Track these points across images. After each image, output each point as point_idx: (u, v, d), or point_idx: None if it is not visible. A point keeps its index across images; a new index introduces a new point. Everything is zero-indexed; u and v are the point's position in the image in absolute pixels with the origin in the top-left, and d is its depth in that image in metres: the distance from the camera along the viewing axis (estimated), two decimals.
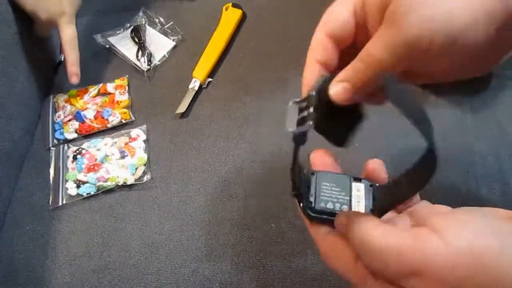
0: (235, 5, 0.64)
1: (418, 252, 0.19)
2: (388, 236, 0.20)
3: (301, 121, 0.24)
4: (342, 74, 0.25)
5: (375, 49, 0.23)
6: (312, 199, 0.27)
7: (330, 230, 0.26)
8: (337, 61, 0.27)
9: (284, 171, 0.49)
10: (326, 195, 0.27)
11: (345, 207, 0.27)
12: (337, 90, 0.25)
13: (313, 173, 0.28)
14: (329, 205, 0.27)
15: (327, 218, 0.26)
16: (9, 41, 0.53)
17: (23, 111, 0.55)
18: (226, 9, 0.64)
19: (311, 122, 0.23)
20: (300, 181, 0.27)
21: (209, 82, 0.59)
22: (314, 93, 0.24)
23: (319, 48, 0.27)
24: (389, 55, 0.22)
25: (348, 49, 0.27)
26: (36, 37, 0.59)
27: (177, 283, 0.44)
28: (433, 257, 0.19)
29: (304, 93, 0.27)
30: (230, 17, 0.63)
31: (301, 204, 0.27)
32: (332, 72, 0.27)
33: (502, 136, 0.49)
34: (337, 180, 0.28)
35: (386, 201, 0.27)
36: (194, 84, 0.57)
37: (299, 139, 0.25)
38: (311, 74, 0.27)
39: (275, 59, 0.60)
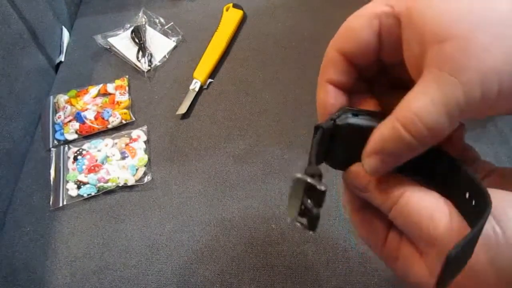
0: (235, 6, 0.64)
1: (448, 219, 0.19)
2: (424, 199, 0.19)
3: (303, 211, 0.20)
4: (377, 143, 0.20)
5: (424, 112, 0.17)
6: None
7: (364, 205, 0.23)
8: (353, 80, 0.23)
9: (284, 170, 0.49)
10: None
11: None
12: (373, 165, 0.20)
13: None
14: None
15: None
16: (9, 41, 0.53)
17: (23, 111, 0.55)
18: (227, 10, 0.64)
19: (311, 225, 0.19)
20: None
21: (210, 83, 0.59)
22: (324, 189, 0.18)
23: (330, 67, 0.22)
24: (446, 117, 0.17)
25: (370, 65, 0.23)
26: (35, 37, 0.59)
27: (177, 284, 0.44)
28: (458, 231, 0.18)
29: (321, 118, 0.22)
30: (230, 17, 0.63)
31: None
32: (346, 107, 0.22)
33: (500, 138, 0.49)
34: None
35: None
36: (195, 85, 0.57)
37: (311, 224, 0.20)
38: (324, 98, 0.23)
39: (276, 59, 0.60)
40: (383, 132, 0.19)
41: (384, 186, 0.21)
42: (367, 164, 0.20)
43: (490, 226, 0.18)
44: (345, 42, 0.22)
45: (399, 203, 0.20)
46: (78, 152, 0.53)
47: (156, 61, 0.61)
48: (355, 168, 0.22)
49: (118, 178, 0.50)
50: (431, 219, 0.19)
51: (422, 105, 0.18)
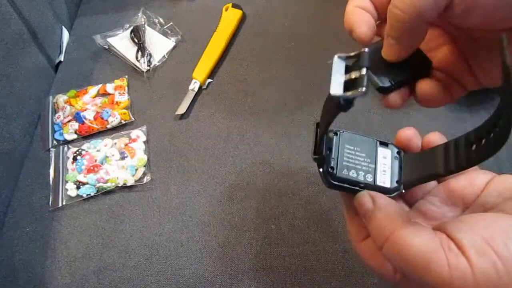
0: (235, 6, 0.64)
1: (447, 269, 0.18)
2: (418, 240, 0.19)
3: (350, 84, 0.21)
4: (386, 29, 0.23)
5: None
6: (333, 164, 0.25)
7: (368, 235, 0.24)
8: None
9: (283, 171, 0.49)
10: (349, 160, 0.25)
11: (369, 177, 0.24)
12: (384, 47, 0.23)
13: (336, 133, 0.26)
14: (352, 173, 0.24)
15: (348, 187, 0.24)
16: (9, 41, 0.53)
17: (23, 111, 0.55)
18: (226, 10, 0.64)
19: (364, 89, 0.19)
20: (322, 142, 0.24)
21: (209, 83, 0.59)
22: (367, 49, 0.21)
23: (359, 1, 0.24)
24: None
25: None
26: (35, 37, 0.59)
27: (177, 284, 0.44)
28: (460, 280, 0.18)
29: (361, 33, 0.23)
30: (230, 17, 0.63)
31: (321, 170, 0.25)
32: None
33: None
34: (362, 144, 0.26)
35: (413, 174, 0.24)
36: (194, 85, 0.57)
37: (344, 105, 0.21)
38: (355, 17, 0.24)
39: (276, 59, 0.60)
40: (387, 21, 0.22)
41: (378, 220, 0.21)
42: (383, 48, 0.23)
43: (490, 262, 0.17)
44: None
45: (389, 241, 0.20)
46: (77, 152, 0.53)
47: (155, 61, 0.61)
48: (360, 194, 0.23)
49: (118, 178, 0.50)
50: (428, 267, 0.18)
51: None
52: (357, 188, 0.24)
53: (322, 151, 0.24)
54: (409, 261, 0.19)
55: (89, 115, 0.56)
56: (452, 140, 0.22)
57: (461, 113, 0.51)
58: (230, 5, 0.64)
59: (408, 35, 0.22)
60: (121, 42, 0.63)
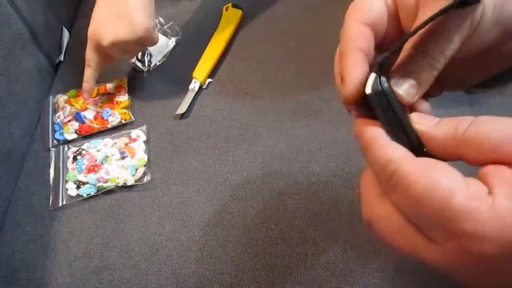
0: (235, 5, 0.64)
1: (472, 208, 0.17)
2: (442, 177, 0.18)
3: None
4: (404, 70, 0.22)
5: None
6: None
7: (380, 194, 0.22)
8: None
9: (283, 171, 0.49)
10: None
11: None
12: (407, 88, 0.22)
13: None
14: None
15: (391, 115, 0.22)
16: (9, 41, 0.53)
17: (23, 111, 0.55)
18: (226, 9, 0.64)
19: None
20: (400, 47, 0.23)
21: (209, 82, 0.59)
22: None
23: (360, 37, 0.23)
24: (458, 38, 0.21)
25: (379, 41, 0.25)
26: (35, 37, 0.59)
27: (177, 284, 0.44)
28: (483, 217, 0.17)
29: (349, 92, 0.22)
30: (230, 17, 0.63)
31: (375, 74, 0.22)
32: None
33: None
34: None
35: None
36: (194, 85, 0.57)
37: None
38: (355, 66, 0.23)
39: (276, 59, 0.60)
40: (404, 60, 0.23)
41: (377, 151, 0.21)
42: (402, 88, 0.22)
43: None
44: (365, 12, 0.24)
45: (395, 175, 0.19)
46: (77, 152, 0.53)
47: (156, 61, 0.61)
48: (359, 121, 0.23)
49: (118, 178, 0.50)
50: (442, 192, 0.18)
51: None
52: (397, 120, 0.22)
53: (394, 51, 0.22)
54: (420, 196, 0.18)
55: (89, 114, 0.56)
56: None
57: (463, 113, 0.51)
58: (230, 5, 0.65)
59: (434, 77, 0.23)
60: None
